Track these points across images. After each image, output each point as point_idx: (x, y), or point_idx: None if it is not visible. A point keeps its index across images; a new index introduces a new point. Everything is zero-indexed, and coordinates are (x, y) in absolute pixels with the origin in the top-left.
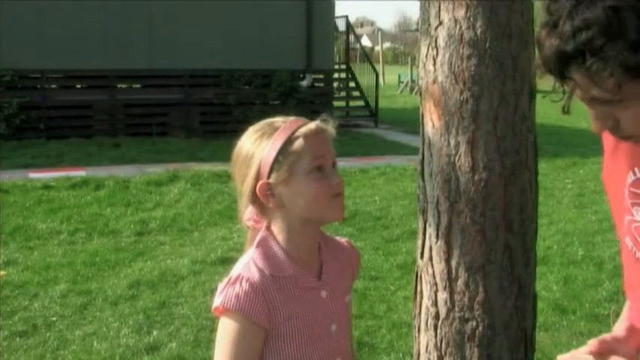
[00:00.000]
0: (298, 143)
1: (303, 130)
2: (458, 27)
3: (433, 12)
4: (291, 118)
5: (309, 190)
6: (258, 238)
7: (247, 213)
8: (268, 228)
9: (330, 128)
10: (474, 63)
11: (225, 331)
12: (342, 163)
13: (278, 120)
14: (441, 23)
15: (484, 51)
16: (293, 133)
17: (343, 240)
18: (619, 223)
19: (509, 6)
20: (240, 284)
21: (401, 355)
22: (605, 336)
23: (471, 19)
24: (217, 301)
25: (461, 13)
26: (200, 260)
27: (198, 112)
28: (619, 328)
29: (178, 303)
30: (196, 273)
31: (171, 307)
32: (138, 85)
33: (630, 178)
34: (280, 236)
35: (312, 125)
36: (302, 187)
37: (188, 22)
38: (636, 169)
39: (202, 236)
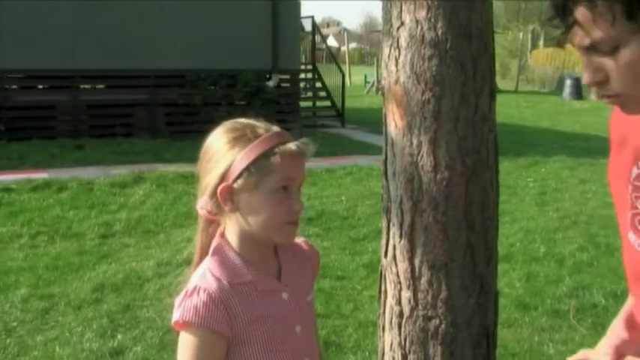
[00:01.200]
0: (275, 160)
1: (283, 148)
2: (419, 28)
3: (395, 13)
4: (274, 129)
5: (267, 210)
6: (212, 246)
7: (201, 201)
8: (222, 235)
9: (310, 152)
10: (435, 63)
11: (187, 345)
12: (309, 164)
13: (260, 126)
14: (402, 24)
15: (445, 51)
16: (272, 147)
17: (301, 240)
18: (622, 221)
19: (469, 7)
20: (198, 295)
21: (367, 354)
22: (613, 341)
23: (432, 19)
24: (176, 315)
25: (422, 14)
26: (166, 262)
27: (164, 113)
28: (619, 329)
29: (143, 306)
30: (162, 275)
31: (136, 310)
32: (102, 86)
33: (635, 172)
34: (235, 242)
35: (293, 146)
36: (262, 203)
37: (153, 22)
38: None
39: (168, 238)
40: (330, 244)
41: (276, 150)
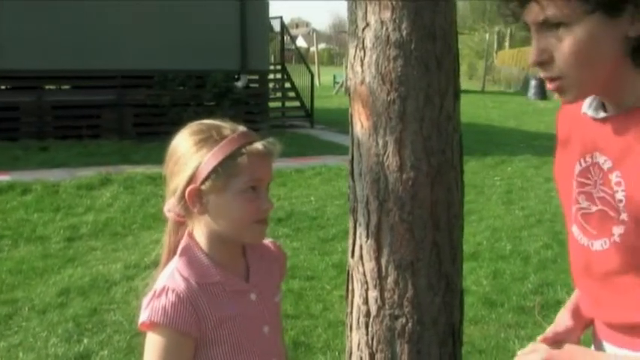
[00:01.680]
0: (242, 160)
1: (250, 148)
2: (384, 28)
3: (360, 14)
4: (240, 129)
5: (236, 210)
6: (181, 246)
7: (169, 204)
8: (190, 235)
9: (276, 151)
10: (400, 64)
11: (155, 346)
12: (278, 164)
13: (226, 127)
14: (367, 25)
15: (410, 52)
16: (239, 148)
17: (269, 241)
18: (567, 214)
19: (433, 8)
20: (166, 296)
21: (337, 353)
22: (558, 328)
23: (397, 20)
24: (144, 316)
25: (387, 14)
26: (133, 265)
27: (132, 114)
28: (565, 318)
29: (110, 309)
30: (129, 278)
31: (102, 313)
32: (67, 86)
33: (577, 168)
34: (203, 242)
35: (260, 146)
36: (231, 203)
37: (120, 22)
38: (582, 160)
39: (136, 240)
40: (300, 244)
41: (243, 150)
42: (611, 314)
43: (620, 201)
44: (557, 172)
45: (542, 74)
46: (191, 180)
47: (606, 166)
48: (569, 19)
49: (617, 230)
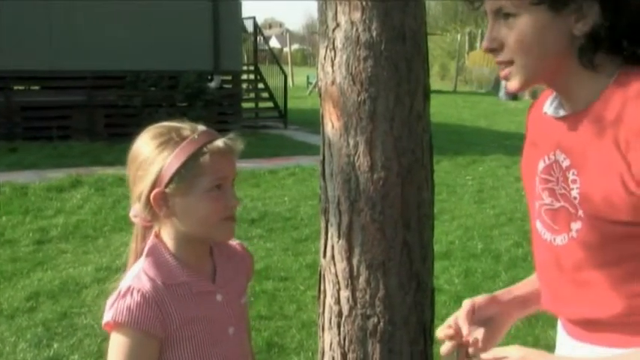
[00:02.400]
0: (204, 160)
1: (211, 147)
2: (354, 29)
3: (330, 14)
4: (200, 129)
5: (203, 209)
6: (147, 246)
7: (134, 209)
8: (157, 235)
9: (238, 147)
10: (370, 64)
11: (119, 346)
12: (252, 165)
13: (185, 127)
14: (338, 25)
15: (380, 53)
16: (201, 148)
17: (236, 243)
18: (531, 211)
19: (403, 9)
20: (132, 296)
21: (310, 354)
22: (502, 295)
23: (367, 21)
24: (108, 316)
25: (357, 15)
26: (105, 267)
27: (103, 115)
28: (507, 291)
29: (81, 313)
30: (101, 281)
31: (73, 317)
32: (36, 87)
33: (541, 165)
34: (170, 243)
35: (221, 143)
36: (197, 204)
37: (90, 21)
38: (546, 157)
39: (107, 242)
40: (273, 245)
41: (205, 150)
42: (568, 309)
43: (575, 198)
44: (523, 169)
45: (495, 60)
46: (155, 184)
47: (565, 164)
48: (518, 9)
49: (575, 226)
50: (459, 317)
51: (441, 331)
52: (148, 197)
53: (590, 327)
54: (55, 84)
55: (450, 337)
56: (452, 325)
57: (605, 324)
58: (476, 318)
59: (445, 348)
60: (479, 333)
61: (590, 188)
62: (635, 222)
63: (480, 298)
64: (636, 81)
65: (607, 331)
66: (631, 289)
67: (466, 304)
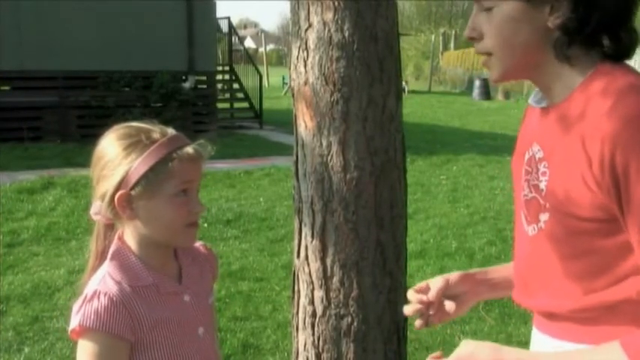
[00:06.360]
0: (173, 165)
1: (180, 152)
2: (327, 29)
3: (303, 15)
4: (170, 132)
5: (168, 214)
6: (111, 250)
7: (95, 207)
8: (121, 238)
9: (207, 153)
10: (342, 65)
11: (88, 352)
12: (227, 165)
13: (155, 130)
14: (310, 26)
15: (352, 53)
16: (170, 153)
17: (199, 244)
18: (517, 201)
19: (375, 9)
20: (99, 299)
21: (286, 354)
22: (477, 273)
23: (339, 22)
24: (74, 321)
25: (329, 15)
26: (77, 270)
27: (75, 116)
28: (483, 272)
29: (53, 316)
30: (73, 284)
31: (45, 321)
32: (7, 88)
33: (526, 157)
34: (134, 245)
35: (191, 150)
36: (162, 208)
37: (62, 21)
38: (530, 149)
39: (80, 245)
40: (249, 245)
41: (174, 155)
42: (533, 301)
43: (542, 190)
44: (513, 161)
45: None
46: (120, 185)
47: (538, 155)
48: (495, 1)
49: (543, 217)
50: (430, 294)
51: (412, 295)
52: (112, 198)
53: (551, 318)
54: (25, 84)
55: (419, 303)
56: (422, 290)
57: (563, 318)
58: (446, 293)
59: (410, 308)
60: (446, 306)
61: (555, 182)
62: (595, 218)
63: (454, 276)
64: (604, 77)
65: (565, 324)
66: (589, 285)
67: (439, 280)
